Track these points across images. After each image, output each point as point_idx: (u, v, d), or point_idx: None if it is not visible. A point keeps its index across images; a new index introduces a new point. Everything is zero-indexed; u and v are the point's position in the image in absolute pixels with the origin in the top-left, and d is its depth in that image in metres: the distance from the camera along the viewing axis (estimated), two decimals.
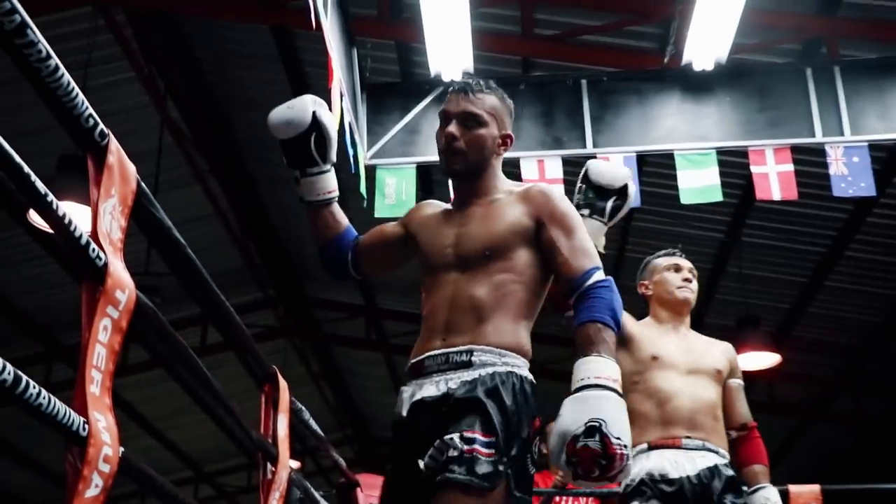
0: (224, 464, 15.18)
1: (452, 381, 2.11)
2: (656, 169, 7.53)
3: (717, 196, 6.16)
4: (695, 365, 3.49)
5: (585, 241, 2.25)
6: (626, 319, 3.40)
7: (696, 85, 6.31)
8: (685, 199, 6.15)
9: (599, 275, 2.16)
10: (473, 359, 2.12)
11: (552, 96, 6.32)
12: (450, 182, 2.64)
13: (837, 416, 12.54)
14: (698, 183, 6.13)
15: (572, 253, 2.19)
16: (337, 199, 2.54)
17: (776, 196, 6.08)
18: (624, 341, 3.39)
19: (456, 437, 2.00)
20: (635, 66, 6.78)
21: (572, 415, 1.93)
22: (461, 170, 2.34)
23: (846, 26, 6.53)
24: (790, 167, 6.05)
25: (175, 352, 2.16)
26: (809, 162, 6.79)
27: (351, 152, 5.51)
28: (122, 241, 1.75)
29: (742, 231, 8.98)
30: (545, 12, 6.85)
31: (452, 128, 2.29)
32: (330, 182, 2.50)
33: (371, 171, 6.25)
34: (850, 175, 5.98)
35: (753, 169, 6.11)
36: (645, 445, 3.33)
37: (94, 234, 1.65)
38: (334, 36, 5.18)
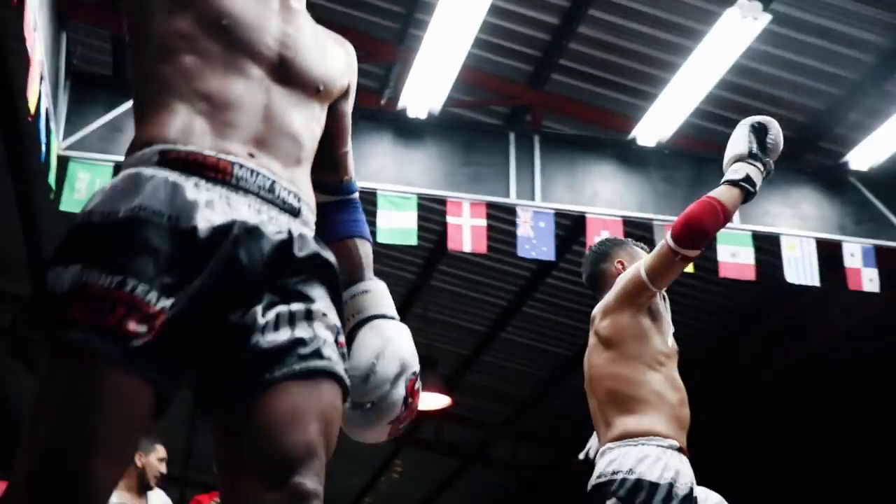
0: None
1: (292, 226, 1.50)
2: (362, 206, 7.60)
3: (413, 240, 6.31)
4: None
5: None
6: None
7: (407, 130, 6.46)
8: (382, 238, 6.24)
9: None
10: (303, 210, 1.55)
11: None
12: None
13: (496, 462, 13.10)
14: (397, 224, 6.24)
15: (350, 149, 1.80)
16: None
17: (467, 248, 6.32)
18: (655, 314, 3.04)
19: (330, 317, 1.48)
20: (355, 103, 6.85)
21: (409, 345, 1.62)
22: None
23: (551, 100, 6.95)
24: (483, 222, 6.31)
25: None
26: (502, 219, 7.10)
27: (44, 139, 5.17)
28: None
29: (432, 275, 9.22)
30: None
31: None
32: None
33: (64, 162, 5.88)
34: (535, 238, 6.32)
35: (449, 219, 6.31)
36: (677, 445, 2.87)
37: None
38: (41, 13, 4.84)
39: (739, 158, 2.86)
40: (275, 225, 1.45)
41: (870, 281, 6.71)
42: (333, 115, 1.72)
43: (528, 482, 13.20)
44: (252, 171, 1.46)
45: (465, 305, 9.83)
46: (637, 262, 2.98)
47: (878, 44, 6.39)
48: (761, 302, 8.88)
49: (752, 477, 10.13)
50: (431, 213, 7.19)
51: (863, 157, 6.90)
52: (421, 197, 6.34)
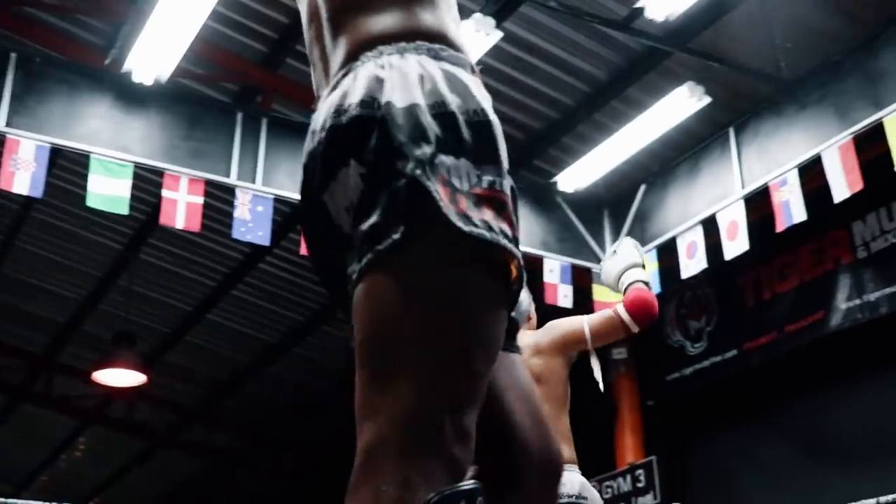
0: None
1: None
2: (71, 165, 7.27)
3: (124, 209, 6.08)
4: None
5: None
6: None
7: (130, 95, 6.20)
8: (91, 202, 5.99)
9: None
10: None
11: None
12: None
13: (188, 445, 12.89)
14: (109, 191, 5.99)
15: None
16: None
17: (180, 224, 6.16)
18: (569, 364, 3.52)
19: None
20: (75, 58, 6.52)
21: None
22: None
23: (283, 84, 6.92)
24: (200, 199, 6.17)
25: None
26: (219, 199, 7.01)
27: None
28: None
29: (141, 248, 8.96)
30: None
31: None
32: None
33: None
34: (252, 221, 6.26)
35: (165, 193, 6.13)
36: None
37: None
38: None
39: (635, 265, 3.50)
40: None
41: (564, 297, 7.20)
42: None
43: (220, 467, 13.11)
44: None
45: (173, 283, 9.65)
46: (580, 318, 3.48)
47: (594, 75, 6.88)
48: None
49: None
50: (146, 184, 6.98)
51: (570, 179, 7.40)
52: (137, 166, 6.10)
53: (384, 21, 1.20)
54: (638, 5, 5.87)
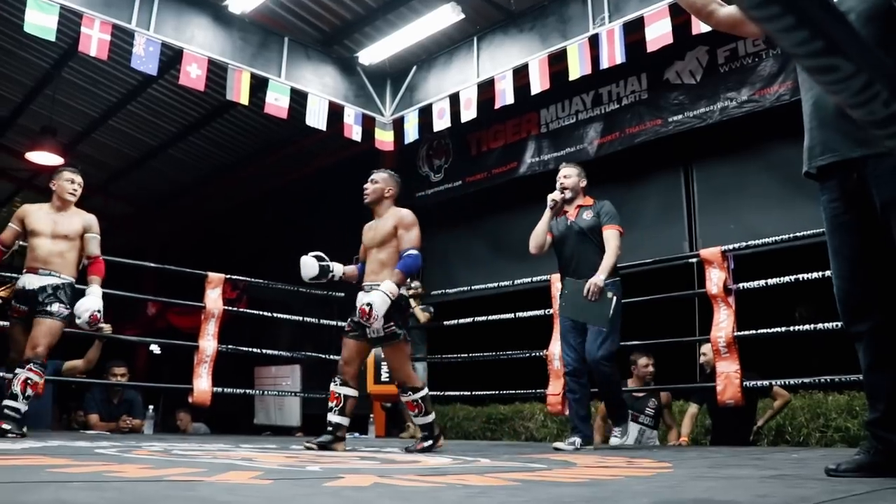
0: None
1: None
2: (14, 1, 7.07)
3: (51, 36, 5.91)
4: None
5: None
6: None
7: None
8: (28, 29, 5.81)
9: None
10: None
11: None
12: None
13: (89, 210, 12.61)
14: (41, 22, 5.78)
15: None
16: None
17: (93, 53, 6.02)
18: None
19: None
20: None
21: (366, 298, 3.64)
22: None
23: None
24: (108, 37, 6.07)
25: None
26: (122, 38, 6.79)
27: None
28: None
29: (63, 68, 8.78)
30: None
31: None
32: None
33: None
34: (145, 57, 6.23)
35: (83, 29, 5.99)
36: None
37: None
38: None
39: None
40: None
41: (356, 133, 7.69)
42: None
43: (111, 228, 13.02)
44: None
45: (85, 95, 9.48)
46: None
47: None
48: (286, 134, 9.56)
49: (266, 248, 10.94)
50: (70, 22, 6.75)
51: (367, 56, 7.78)
52: (62, 7, 5.91)
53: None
54: None
